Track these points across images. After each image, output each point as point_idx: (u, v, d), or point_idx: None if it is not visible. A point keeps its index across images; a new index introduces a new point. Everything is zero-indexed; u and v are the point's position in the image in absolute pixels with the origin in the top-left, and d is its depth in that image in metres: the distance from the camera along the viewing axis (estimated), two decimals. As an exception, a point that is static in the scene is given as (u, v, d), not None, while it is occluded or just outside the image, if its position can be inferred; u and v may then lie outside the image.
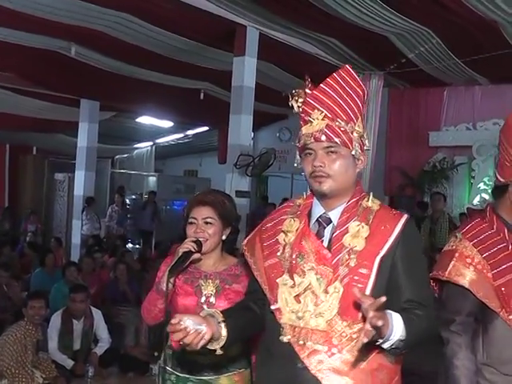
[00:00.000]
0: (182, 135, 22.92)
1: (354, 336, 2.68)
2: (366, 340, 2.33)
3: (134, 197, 21.86)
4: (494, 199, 3.51)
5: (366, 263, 2.70)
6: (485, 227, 3.32)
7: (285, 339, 2.78)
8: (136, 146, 24.07)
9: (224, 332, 2.72)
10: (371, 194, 2.92)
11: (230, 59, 11.56)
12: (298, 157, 2.94)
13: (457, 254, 3.22)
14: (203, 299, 3.68)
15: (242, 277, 3.72)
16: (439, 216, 10.78)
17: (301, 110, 2.89)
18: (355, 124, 2.83)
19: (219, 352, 2.73)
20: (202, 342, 2.61)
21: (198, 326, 2.60)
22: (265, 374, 2.93)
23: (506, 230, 3.27)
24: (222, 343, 2.72)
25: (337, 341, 2.69)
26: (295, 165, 2.97)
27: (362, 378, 2.70)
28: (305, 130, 2.84)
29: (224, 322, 2.74)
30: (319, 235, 2.84)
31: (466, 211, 13.15)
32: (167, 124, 20.99)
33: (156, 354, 7.96)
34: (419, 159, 14.57)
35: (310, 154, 2.82)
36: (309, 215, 2.93)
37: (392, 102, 15.07)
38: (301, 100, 2.88)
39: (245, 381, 3.71)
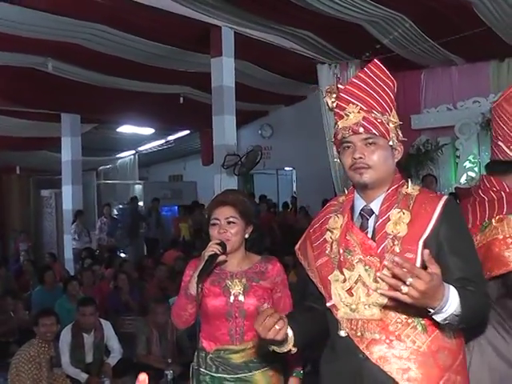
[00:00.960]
0: (163, 141, 22.92)
1: (410, 321, 2.75)
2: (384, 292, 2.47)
3: (121, 206, 21.83)
4: (488, 172, 3.55)
5: (410, 247, 2.74)
6: None
7: (343, 333, 2.86)
8: (119, 155, 24.03)
9: (290, 333, 2.83)
10: (409, 180, 2.97)
11: (207, 61, 11.58)
12: (335, 152, 3.00)
13: None
14: (232, 298, 3.74)
15: (268, 273, 3.81)
16: (432, 198, 10.81)
17: (335, 105, 2.94)
18: (390, 115, 2.90)
19: (294, 350, 2.86)
20: (280, 336, 2.73)
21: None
22: (330, 370, 2.98)
23: None
24: (291, 344, 2.83)
25: (393, 328, 2.75)
26: (335, 160, 3.03)
27: (424, 361, 2.74)
28: (341, 124, 2.89)
29: (289, 323, 2.81)
30: (363, 227, 2.90)
31: (454, 191, 13.25)
32: (148, 131, 20.98)
33: (170, 360, 8.04)
34: (403, 143, 14.62)
35: (349, 146, 2.87)
36: (352, 210, 2.98)
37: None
38: (334, 96, 2.94)
39: (278, 375, 3.78)
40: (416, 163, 14.12)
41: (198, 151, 21.08)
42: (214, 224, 3.78)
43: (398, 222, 2.80)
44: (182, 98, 15.55)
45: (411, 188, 2.93)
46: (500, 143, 3.45)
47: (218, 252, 3.61)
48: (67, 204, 17.69)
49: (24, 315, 10.13)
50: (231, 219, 3.76)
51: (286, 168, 21.13)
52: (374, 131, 2.82)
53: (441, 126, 14.50)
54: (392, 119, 2.90)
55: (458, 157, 14.33)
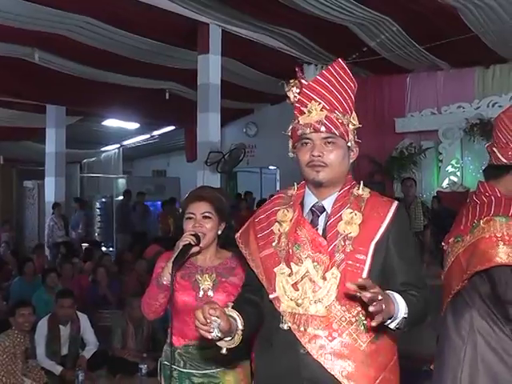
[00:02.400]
0: (148, 136, 22.92)
1: (353, 320, 2.78)
2: (375, 323, 2.48)
3: (104, 200, 21.80)
4: (486, 178, 3.67)
5: (362, 248, 2.80)
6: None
7: (285, 326, 2.85)
8: (103, 149, 23.98)
9: (240, 326, 2.79)
10: (361, 182, 3.01)
11: (194, 58, 11.62)
12: (290, 145, 3.02)
13: None
14: (201, 293, 3.74)
15: (238, 269, 3.81)
16: (412, 201, 10.84)
17: (297, 100, 2.95)
18: (350, 116, 2.93)
19: (224, 352, 2.75)
20: (217, 331, 2.65)
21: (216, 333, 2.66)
22: (266, 363, 2.98)
23: None
24: (238, 339, 2.78)
25: (337, 325, 2.78)
26: (290, 154, 3.04)
27: (362, 360, 2.78)
28: (302, 120, 2.90)
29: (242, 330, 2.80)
30: (313, 224, 2.92)
31: (436, 194, 13.34)
32: (133, 126, 21.00)
33: (145, 354, 8.06)
34: (387, 146, 14.69)
35: (308, 143, 2.89)
36: (301, 205, 3.01)
37: (356, 90, 15.03)
38: (297, 90, 2.95)
39: (246, 372, 3.80)
40: (399, 166, 14.20)
41: (182, 147, 21.11)
42: (189, 218, 3.80)
43: (350, 222, 2.85)
44: (167, 94, 15.57)
45: (362, 190, 2.98)
46: (494, 149, 3.62)
47: (193, 243, 3.63)
48: (50, 196, 17.69)
49: (1, 305, 10.10)
50: (207, 214, 3.77)
51: (270, 167, 21.12)
52: (335, 131, 2.85)
53: (425, 129, 14.58)
54: (352, 121, 2.93)
55: (441, 161, 14.41)
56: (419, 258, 3.07)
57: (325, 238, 2.86)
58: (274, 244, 2.97)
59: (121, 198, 20.46)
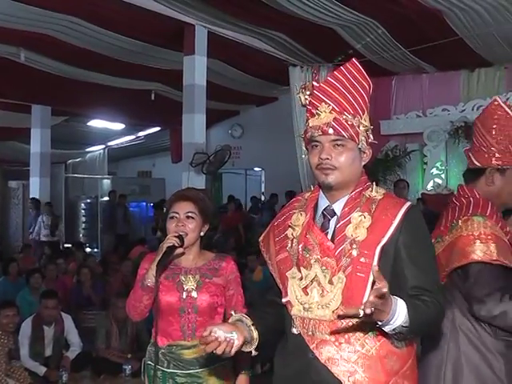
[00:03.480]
0: (133, 137, 22.88)
1: (360, 325, 2.73)
2: (368, 310, 2.39)
3: (89, 201, 21.74)
4: (465, 181, 3.70)
5: (367, 252, 2.75)
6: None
7: (295, 331, 2.87)
8: (88, 149, 23.89)
9: (255, 334, 2.83)
10: (374, 183, 2.97)
11: (179, 59, 11.62)
12: (303, 148, 2.98)
13: None
14: (185, 294, 3.78)
15: (221, 270, 3.87)
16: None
17: (308, 102, 2.91)
18: (361, 118, 2.86)
19: (254, 353, 2.83)
20: (235, 349, 2.70)
21: (229, 335, 2.69)
22: (281, 365, 3.00)
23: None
24: (255, 345, 2.83)
25: (343, 330, 2.77)
26: (303, 156, 3.02)
27: (370, 366, 2.75)
28: (312, 122, 2.87)
29: (253, 324, 2.84)
30: (324, 227, 2.90)
31: (420, 197, 13.37)
32: (119, 126, 20.96)
33: (129, 355, 8.06)
34: (372, 148, 14.70)
35: (317, 146, 2.85)
36: (315, 208, 2.98)
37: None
38: (308, 93, 2.91)
39: (229, 372, 3.83)
40: (384, 168, 14.20)
41: (167, 148, 21.08)
42: (172, 217, 3.82)
43: (359, 225, 2.80)
44: (153, 95, 15.57)
45: (375, 192, 2.93)
46: (470, 153, 3.68)
47: (176, 244, 3.65)
48: (34, 196, 17.62)
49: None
50: (190, 214, 3.80)
51: (256, 168, 21.15)
52: (344, 133, 2.80)
53: (410, 132, 14.61)
54: (363, 122, 2.87)
55: (426, 163, 14.44)
56: (433, 262, 2.95)
57: (333, 242, 2.84)
58: (288, 248, 2.97)
59: (106, 198, 20.45)
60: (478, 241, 3.30)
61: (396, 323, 2.59)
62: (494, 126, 3.57)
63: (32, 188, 17.80)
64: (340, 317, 2.61)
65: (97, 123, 20.22)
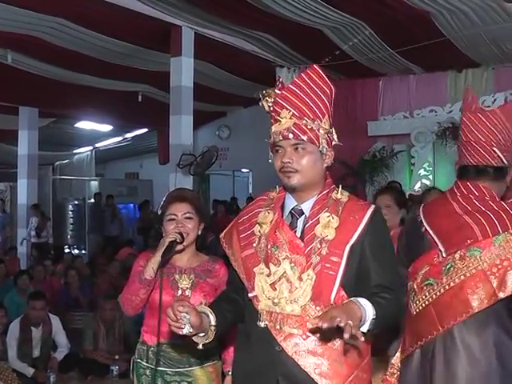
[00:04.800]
0: (121, 138, 22.82)
1: None
2: (347, 335, 2.52)
3: (76, 202, 21.72)
4: (466, 178, 3.56)
5: (337, 251, 2.91)
6: None
7: (262, 324, 2.95)
8: (76, 151, 23.85)
9: (212, 335, 2.90)
10: (340, 186, 3.11)
11: (166, 60, 11.62)
12: (270, 153, 3.11)
13: None
14: (179, 293, 3.83)
15: (215, 272, 3.94)
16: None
17: (271, 109, 3.04)
18: (321, 121, 2.99)
19: (200, 347, 2.91)
20: (188, 327, 2.77)
21: (188, 327, 2.78)
22: (243, 358, 3.09)
23: None
24: (204, 342, 2.90)
25: (311, 325, 2.82)
26: (269, 160, 3.13)
27: (335, 358, 2.89)
28: (274, 128, 3.01)
29: (216, 326, 2.90)
30: (292, 226, 3.03)
31: (408, 197, 13.37)
32: (106, 128, 20.93)
33: (117, 356, 8.06)
34: (359, 149, 14.63)
35: (279, 150, 3.00)
36: (282, 208, 3.11)
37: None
38: (271, 100, 3.03)
39: (218, 372, 3.87)
40: (371, 169, 14.23)
41: (155, 150, 21.04)
42: (170, 219, 3.87)
43: (327, 225, 2.95)
44: (140, 96, 15.55)
45: (340, 194, 3.08)
46: (493, 149, 3.51)
47: (178, 240, 3.71)
48: (22, 198, 17.64)
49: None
50: (188, 215, 3.86)
51: (243, 170, 21.16)
52: (303, 137, 2.94)
53: (397, 133, 14.61)
54: (323, 126, 2.99)
55: (413, 164, 14.45)
56: (395, 260, 3.19)
57: (302, 241, 2.96)
58: (254, 245, 3.07)
59: (93, 200, 20.47)
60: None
61: (369, 318, 2.74)
62: None
63: (20, 190, 17.77)
64: (311, 331, 2.80)
65: (84, 125, 20.16)
